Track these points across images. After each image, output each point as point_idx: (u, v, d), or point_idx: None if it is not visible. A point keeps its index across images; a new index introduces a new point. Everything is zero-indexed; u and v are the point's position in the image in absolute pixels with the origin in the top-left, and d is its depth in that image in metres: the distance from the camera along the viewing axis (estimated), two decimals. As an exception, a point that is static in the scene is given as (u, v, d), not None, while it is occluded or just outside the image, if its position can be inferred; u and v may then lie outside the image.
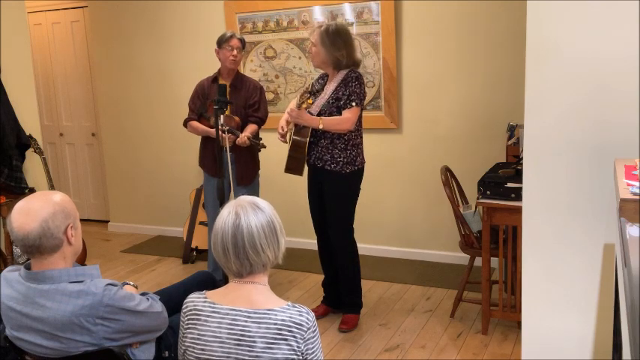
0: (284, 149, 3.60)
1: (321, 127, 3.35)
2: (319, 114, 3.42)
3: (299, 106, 3.34)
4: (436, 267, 4.55)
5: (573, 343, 2.58)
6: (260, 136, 3.98)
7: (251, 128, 3.84)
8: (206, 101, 3.91)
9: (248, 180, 3.95)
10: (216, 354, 1.72)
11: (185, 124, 4.01)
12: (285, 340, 1.69)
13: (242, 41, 3.91)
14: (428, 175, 4.53)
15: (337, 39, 3.37)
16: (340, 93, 3.38)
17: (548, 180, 2.52)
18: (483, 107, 4.33)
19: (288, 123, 3.57)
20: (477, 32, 4.25)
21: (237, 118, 3.79)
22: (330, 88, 3.43)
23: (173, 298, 2.33)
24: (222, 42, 3.86)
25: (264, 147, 3.73)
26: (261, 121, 3.95)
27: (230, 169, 3.64)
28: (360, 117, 3.48)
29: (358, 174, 3.53)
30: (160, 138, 5.51)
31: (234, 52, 3.83)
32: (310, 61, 4.73)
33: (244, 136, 3.70)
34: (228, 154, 3.40)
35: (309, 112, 3.40)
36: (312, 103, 3.40)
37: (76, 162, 6.23)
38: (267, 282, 1.81)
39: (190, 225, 4.92)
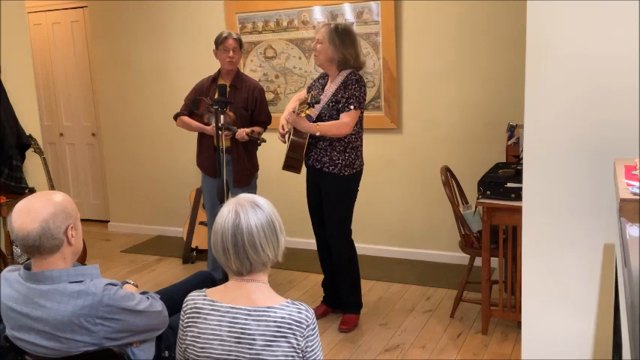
0: (283, 148, 3.60)
1: (317, 133, 3.34)
2: (319, 117, 3.42)
3: (297, 115, 3.33)
4: (436, 267, 4.55)
5: (573, 343, 2.58)
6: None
7: (256, 127, 3.85)
8: (196, 98, 3.86)
9: (245, 182, 3.93)
10: (217, 352, 1.72)
11: (175, 118, 4.01)
12: (285, 337, 1.69)
13: (239, 41, 3.86)
14: (428, 175, 4.53)
15: (346, 38, 3.38)
16: (339, 95, 3.38)
17: (548, 180, 2.52)
18: (483, 107, 4.33)
19: (287, 122, 3.57)
20: (477, 32, 4.25)
21: (231, 114, 3.75)
22: (330, 90, 3.42)
23: (173, 298, 2.33)
24: (218, 43, 3.85)
25: (264, 141, 3.71)
26: (265, 124, 3.96)
27: (225, 170, 3.60)
28: (361, 119, 3.48)
29: (356, 177, 3.53)
30: (160, 138, 5.51)
31: (230, 53, 3.80)
32: (312, 60, 4.75)
33: (242, 131, 3.69)
34: (224, 155, 3.37)
35: (308, 116, 3.40)
36: (310, 112, 3.40)
37: (76, 162, 6.23)
38: (267, 280, 1.81)
39: (190, 225, 4.92)
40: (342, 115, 3.36)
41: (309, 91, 3.60)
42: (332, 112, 3.39)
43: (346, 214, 3.56)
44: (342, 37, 3.37)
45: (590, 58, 2.38)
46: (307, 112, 3.30)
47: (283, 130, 3.52)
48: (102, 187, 6.10)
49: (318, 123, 3.37)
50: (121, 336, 1.90)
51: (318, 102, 3.36)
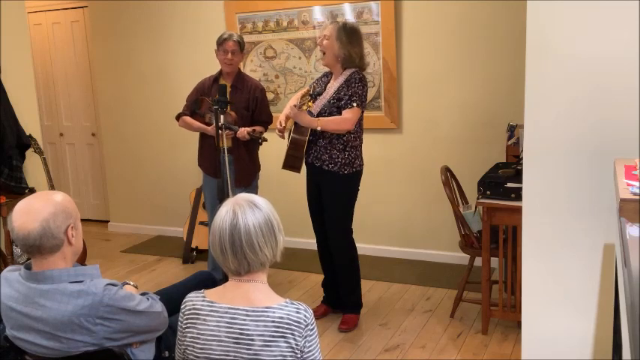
0: (283, 147, 3.60)
1: (319, 128, 3.34)
2: (319, 114, 3.42)
3: (299, 108, 3.33)
4: (436, 267, 4.55)
5: (573, 343, 2.58)
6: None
7: (257, 127, 3.85)
8: (198, 98, 3.87)
9: (246, 182, 3.93)
10: (215, 353, 1.72)
11: (177, 118, 4.01)
12: (284, 337, 1.69)
13: (239, 43, 3.82)
14: (428, 175, 4.53)
15: (353, 36, 3.39)
16: (342, 93, 3.38)
17: (548, 180, 2.52)
18: (483, 107, 4.33)
19: (287, 118, 3.57)
20: (477, 32, 4.25)
21: (233, 113, 3.75)
22: (332, 87, 3.42)
23: (173, 299, 2.33)
24: (218, 44, 3.84)
25: (265, 140, 3.72)
26: (267, 124, 3.95)
27: (228, 169, 3.61)
28: (361, 120, 3.48)
29: (356, 176, 3.52)
30: (160, 138, 5.51)
31: (229, 55, 3.79)
32: (312, 60, 4.75)
33: (244, 130, 3.69)
34: (226, 155, 3.38)
35: (309, 112, 3.39)
36: (313, 105, 3.39)
37: (76, 162, 6.23)
38: (265, 280, 1.81)
39: (190, 225, 4.92)
40: (344, 112, 3.36)
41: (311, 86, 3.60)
42: (332, 109, 3.39)
43: (346, 213, 3.55)
44: (350, 34, 3.37)
45: (590, 58, 2.38)
46: (309, 104, 3.29)
47: (281, 125, 3.52)
48: (102, 187, 6.10)
49: (319, 118, 3.37)
50: (121, 336, 1.90)
51: (320, 94, 3.35)
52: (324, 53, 3.43)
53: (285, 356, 1.69)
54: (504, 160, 4.01)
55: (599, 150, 2.41)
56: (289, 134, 3.56)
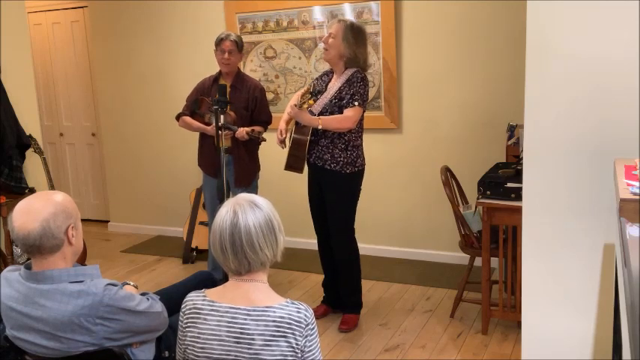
0: (284, 148, 3.60)
1: (320, 127, 3.34)
2: (321, 113, 3.41)
3: (300, 106, 3.32)
4: (436, 267, 4.55)
5: (573, 343, 2.58)
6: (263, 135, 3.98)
7: (256, 127, 3.85)
8: (198, 98, 3.87)
9: (246, 182, 3.92)
10: (216, 352, 1.72)
11: (177, 118, 4.01)
12: (285, 337, 1.69)
13: (237, 43, 3.82)
14: (428, 175, 4.53)
15: (359, 36, 3.39)
16: (344, 92, 3.38)
17: (548, 180, 2.52)
18: (483, 107, 4.33)
19: (287, 122, 3.57)
20: (477, 32, 4.25)
21: (232, 113, 3.75)
22: (334, 86, 3.42)
23: (173, 298, 2.33)
24: (215, 44, 3.84)
25: (264, 140, 3.72)
26: (266, 124, 3.95)
27: (226, 170, 3.58)
28: (362, 119, 3.48)
29: (358, 175, 3.52)
30: (160, 138, 5.51)
31: (226, 55, 3.78)
32: (312, 60, 4.75)
33: (242, 130, 3.69)
34: (223, 154, 3.37)
35: (310, 111, 3.39)
36: (314, 103, 3.38)
37: (76, 162, 6.23)
38: (266, 280, 1.81)
39: (190, 225, 4.92)
40: (345, 110, 3.35)
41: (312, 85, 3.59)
42: (334, 108, 3.39)
43: (348, 212, 3.55)
44: (356, 35, 3.37)
45: (590, 58, 2.38)
46: (310, 102, 3.28)
47: (282, 135, 3.52)
48: (102, 187, 6.10)
49: (320, 116, 3.36)
50: (121, 336, 1.90)
51: (320, 92, 3.34)
52: (326, 50, 3.42)
53: (285, 356, 1.69)
54: (504, 160, 4.01)
55: (599, 150, 2.41)
56: (290, 134, 3.56)
